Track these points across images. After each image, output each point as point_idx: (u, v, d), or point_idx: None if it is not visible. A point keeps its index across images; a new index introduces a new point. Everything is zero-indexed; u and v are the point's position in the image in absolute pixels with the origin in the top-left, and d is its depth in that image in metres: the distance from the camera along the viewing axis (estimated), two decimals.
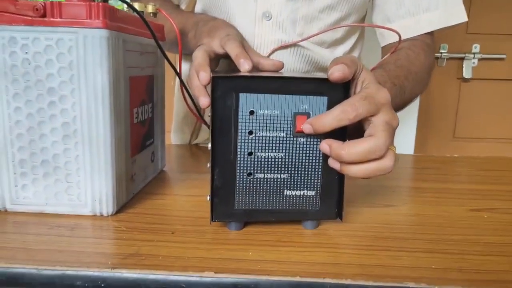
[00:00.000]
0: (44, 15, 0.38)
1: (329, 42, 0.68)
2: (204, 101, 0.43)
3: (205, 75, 0.44)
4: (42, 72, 0.39)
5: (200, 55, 0.47)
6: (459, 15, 0.65)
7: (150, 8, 0.53)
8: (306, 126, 0.36)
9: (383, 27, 0.63)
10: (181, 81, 0.56)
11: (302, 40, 0.64)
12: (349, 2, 0.66)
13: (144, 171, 0.51)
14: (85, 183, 0.40)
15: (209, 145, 0.37)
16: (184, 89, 0.53)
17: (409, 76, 0.59)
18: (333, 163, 0.37)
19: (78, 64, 0.38)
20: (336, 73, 0.36)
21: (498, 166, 0.70)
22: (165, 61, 0.55)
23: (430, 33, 0.67)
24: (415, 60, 0.62)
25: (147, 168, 0.52)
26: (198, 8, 0.74)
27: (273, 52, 0.65)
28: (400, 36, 0.53)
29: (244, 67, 0.45)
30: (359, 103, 0.35)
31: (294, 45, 0.65)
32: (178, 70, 0.53)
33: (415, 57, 0.62)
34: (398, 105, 0.58)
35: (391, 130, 0.37)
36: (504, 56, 1.52)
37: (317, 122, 0.36)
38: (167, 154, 0.60)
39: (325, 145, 0.37)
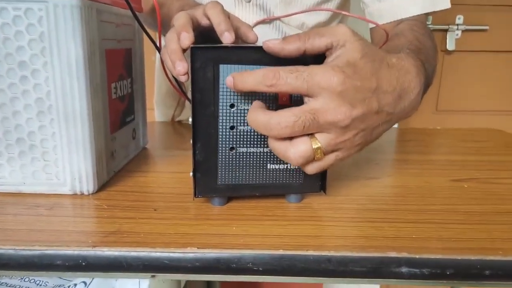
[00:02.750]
0: None
1: (312, 25, 0.66)
2: (179, 67, 0.39)
3: (188, 36, 0.40)
4: (12, 45, 0.37)
5: (183, 17, 0.43)
6: (446, 1, 0.60)
7: None
8: (228, 78, 0.34)
9: (371, 22, 0.57)
10: (162, 59, 0.54)
11: (285, 16, 0.62)
12: None
13: (125, 149, 0.50)
14: (63, 161, 0.39)
15: (190, 119, 0.36)
16: (164, 64, 0.51)
17: (429, 59, 0.49)
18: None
19: (50, 36, 0.36)
20: (269, 44, 0.33)
21: (479, 137, 0.71)
22: (144, 35, 0.53)
23: (426, 14, 0.60)
24: (426, 43, 0.53)
25: (128, 146, 0.51)
26: None
27: (255, 25, 0.63)
28: (387, 35, 0.47)
29: (226, 39, 0.43)
30: (284, 74, 0.31)
31: (277, 19, 0.63)
32: (158, 44, 0.51)
33: (423, 40, 0.54)
34: (422, 93, 0.43)
35: (311, 120, 0.31)
36: (487, 27, 1.52)
37: (238, 77, 0.33)
38: (149, 131, 0.59)
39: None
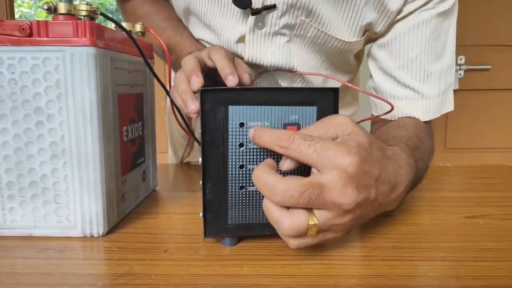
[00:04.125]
0: (30, 35, 0.38)
1: None
2: (192, 106, 0.41)
3: (198, 80, 0.42)
4: (29, 92, 0.38)
5: (191, 60, 0.45)
6: (450, 104, 0.60)
7: (138, 27, 0.54)
8: (251, 130, 0.35)
9: (377, 97, 0.52)
10: (171, 99, 0.56)
11: (295, 72, 0.62)
12: (332, 64, 0.64)
13: (135, 191, 0.50)
14: (74, 203, 0.40)
15: (200, 159, 0.37)
16: (174, 106, 0.52)
17: (423, 159, 0.50)
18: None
19: (66, 82, 0.38)
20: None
21: (490, 174, 0.70)
22: (155, 80, 0.55)
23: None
24: (425, 143, 0.53)
25: (139, 188, 0.52)
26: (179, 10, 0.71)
27: (262, 73, 0.65)
28: (392, 107, 0.46)
29: (230, 83, 0.44)
30: (298, 139, 0.31)
31: (288, 71, 0.64)
32: (167, 88, 0.53)
33: (423, 139, 0.53)
34: (408, 191, 0.42)
35: (316, 195, 0.30)
36: (489, 66, 1.55)
37: (257, 131, 0.34)
38: (159, 173, 0.59)
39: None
